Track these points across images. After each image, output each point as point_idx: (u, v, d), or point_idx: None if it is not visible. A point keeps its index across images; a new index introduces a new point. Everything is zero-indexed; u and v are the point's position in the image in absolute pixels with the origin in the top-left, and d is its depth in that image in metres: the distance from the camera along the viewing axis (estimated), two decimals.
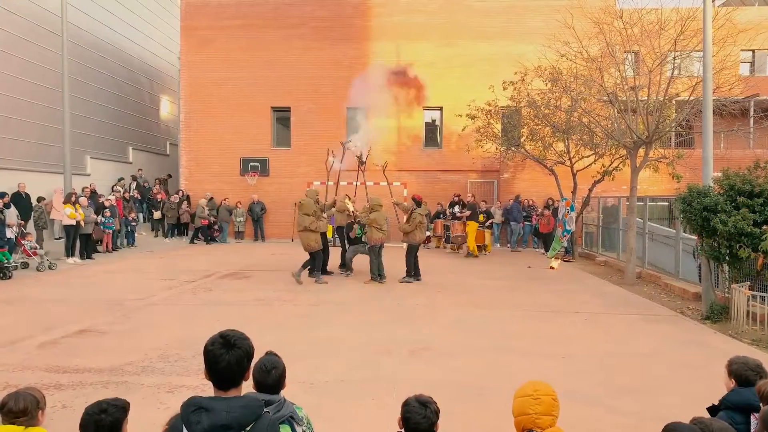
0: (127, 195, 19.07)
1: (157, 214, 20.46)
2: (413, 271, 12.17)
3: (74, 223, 14.67)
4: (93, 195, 17.09)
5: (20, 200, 15.51)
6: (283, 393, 2.60)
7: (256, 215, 20.66)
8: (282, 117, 21.89)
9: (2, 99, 16.55)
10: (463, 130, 18.93)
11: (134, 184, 21.39)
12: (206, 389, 5.52)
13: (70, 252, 14.81)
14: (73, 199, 14.86)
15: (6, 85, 16.69)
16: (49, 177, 17.39)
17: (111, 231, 16.67)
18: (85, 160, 20.34)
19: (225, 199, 20.62)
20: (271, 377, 2.53)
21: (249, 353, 2.14)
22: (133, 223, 18.52)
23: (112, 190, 19.17)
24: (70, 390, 5.40)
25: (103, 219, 16.14)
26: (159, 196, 20.66)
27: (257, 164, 21.26)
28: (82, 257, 15.00)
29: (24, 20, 17.45)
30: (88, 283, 11.74)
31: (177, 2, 23.91)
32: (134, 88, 24.49)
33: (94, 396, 5.22)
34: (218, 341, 2.10)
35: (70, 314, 8.60)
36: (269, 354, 2.66)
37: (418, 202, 12.46)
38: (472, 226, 16.87)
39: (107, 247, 16.73)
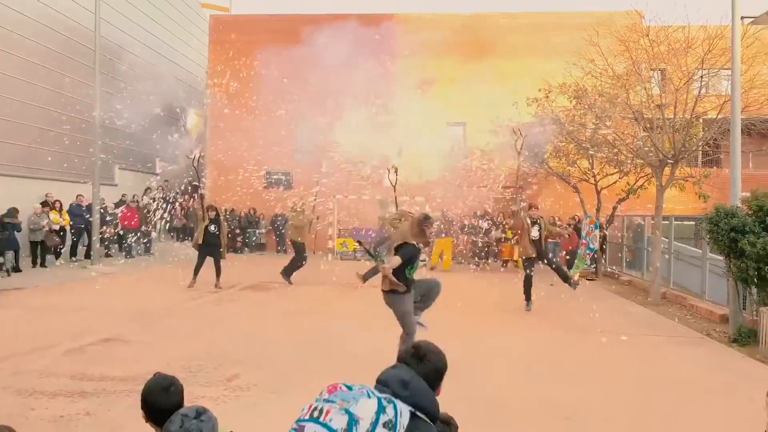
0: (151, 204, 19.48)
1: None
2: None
3: (57, 228, 15.56)
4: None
5: (78, 211, 16.69)
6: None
7: (278, 228, 20.89)
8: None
9: (38, 111, 17.02)
10: (485, 145, 18.89)
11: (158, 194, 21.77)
12: (227, 401, 5.57)
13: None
14: (58, 205, 15.99)
15: (40, 98, 17.15)
16: (78, 187, 17.75)
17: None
18: (114, 171, 20.73)
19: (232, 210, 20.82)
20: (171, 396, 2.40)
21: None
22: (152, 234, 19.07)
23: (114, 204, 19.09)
24: (94, 397, 5.48)
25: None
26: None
27: (281, 177, 21.53)
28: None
29: (58, 34, 17.94)
30: (112, 292, 11.92)
31: (205, 17, 24.40)
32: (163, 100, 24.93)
33: (118, 404, 5.31)
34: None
35: (94, 323, 8.74)
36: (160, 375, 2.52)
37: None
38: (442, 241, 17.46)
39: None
